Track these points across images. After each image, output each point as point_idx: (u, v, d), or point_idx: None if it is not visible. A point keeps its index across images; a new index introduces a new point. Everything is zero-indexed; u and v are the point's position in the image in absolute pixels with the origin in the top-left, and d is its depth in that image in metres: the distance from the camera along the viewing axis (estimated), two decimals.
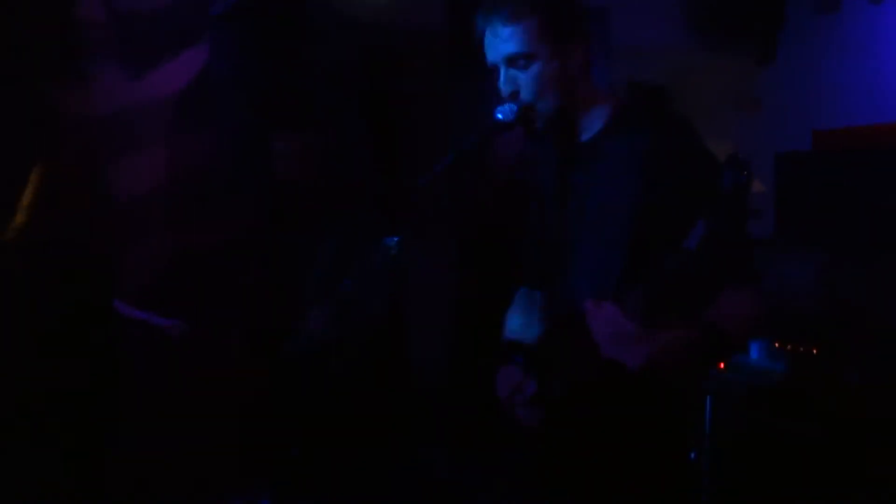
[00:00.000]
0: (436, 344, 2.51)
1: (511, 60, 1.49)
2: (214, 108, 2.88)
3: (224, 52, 2.94)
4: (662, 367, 1.30)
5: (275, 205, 2.14)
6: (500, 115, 1.51)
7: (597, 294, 1.38)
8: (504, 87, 1.51)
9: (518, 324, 1.62)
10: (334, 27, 2.91)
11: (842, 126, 4.47)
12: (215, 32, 3.00)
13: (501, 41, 1.49)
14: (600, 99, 1.56)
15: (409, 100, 3.34)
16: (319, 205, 2.09)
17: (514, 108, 1.49)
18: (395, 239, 1.49)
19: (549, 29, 1.47)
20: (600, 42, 4.82)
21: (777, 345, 3.38)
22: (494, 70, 1.53)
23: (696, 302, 1.37)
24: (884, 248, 3.28)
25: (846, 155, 3.82)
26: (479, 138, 1.55)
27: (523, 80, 1.49)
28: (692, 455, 1.59)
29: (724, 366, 3.58)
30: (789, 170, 3.86)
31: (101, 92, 2.79)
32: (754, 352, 3.40)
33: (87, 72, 2.82)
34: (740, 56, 5.22)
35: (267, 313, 2.02)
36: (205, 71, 2.97)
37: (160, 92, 2.89)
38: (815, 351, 3.28)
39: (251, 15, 2.97)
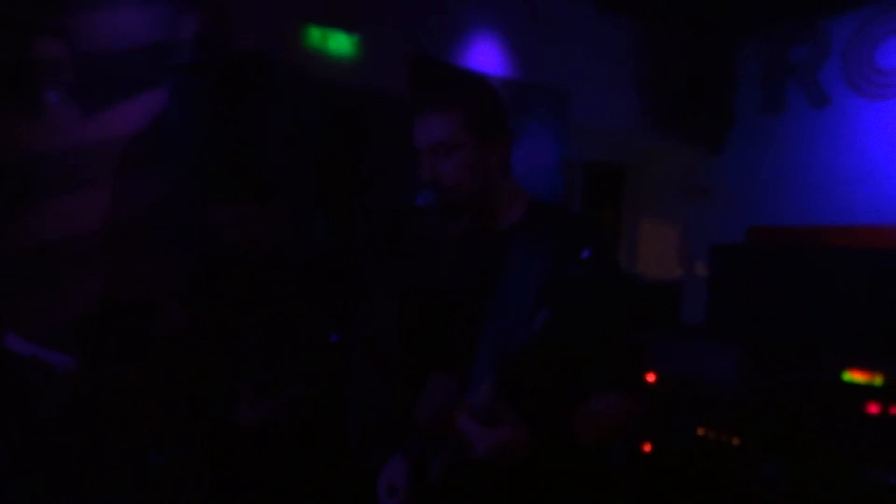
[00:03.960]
0: (379, 415, 2.47)
1: (435, 148, 1.54)
2: (165, 157, 2.89)
3: (182, 102, 2.97)
4: (503, 461, 1.30)
5: (214, 266, 2.06)
6: (420, 201, 1.54)
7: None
8: (424, 173, 1.55)
9: (427, 408, 1.62)
10: (298, 89, 2.92)
11: (775, 224, 4.67)
12: (176, 81, 3.02)
13: (430, 128, 1.54)
14: (518, 193, 1.61)
15: (365, 160, 3.39)
16: (258, 273, 2.01)
17: (432, 194, 1.54)
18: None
19: (475, 122, 1.53)
20: (560, 121, 5.00)
21: (700, 432, 3.44)
22: (419, 155, 1.58)
23: (552, 397, 1.38)
24: (799, 345, 3.38)
25: (776, 251, 3.97)
26: (401, 218, 1.58)
27: (445, 168, 1.54)
28: None
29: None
30: (723, 261, 3.99)
31: (48, 126, 2.79)
32: None
33: (36, 104, 2.82)
34: (693, 145, 5.46)
35: (189, 375, 1.96)
36: (161, 118, 2.99)
37: (110, 133, 2.90)
38: (735, 441, 3.34)
39: (216, 69, 3.00)
